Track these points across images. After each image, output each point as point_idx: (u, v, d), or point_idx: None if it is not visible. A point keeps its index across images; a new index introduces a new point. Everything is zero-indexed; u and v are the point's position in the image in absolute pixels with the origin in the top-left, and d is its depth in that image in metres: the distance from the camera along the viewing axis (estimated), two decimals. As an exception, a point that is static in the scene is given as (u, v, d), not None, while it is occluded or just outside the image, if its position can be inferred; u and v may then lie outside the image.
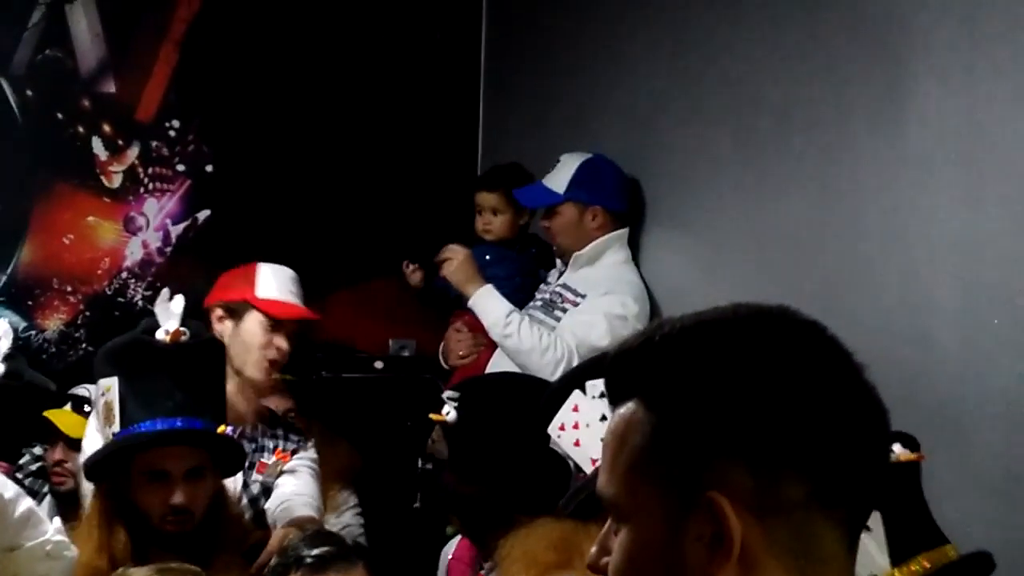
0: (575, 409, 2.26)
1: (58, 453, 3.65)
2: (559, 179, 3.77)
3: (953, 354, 2.73)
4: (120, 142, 4.50)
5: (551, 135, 4.30)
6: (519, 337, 3.64)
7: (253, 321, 3.16)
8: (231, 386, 3.00)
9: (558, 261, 3.92)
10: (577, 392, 2.26)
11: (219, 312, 3.20)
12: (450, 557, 2.96)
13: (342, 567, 2.35)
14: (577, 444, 2.25)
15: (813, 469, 0.95)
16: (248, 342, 3.15)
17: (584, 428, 2.24)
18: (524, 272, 4.00)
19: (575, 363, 3.52)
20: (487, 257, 3.91)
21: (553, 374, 3.51)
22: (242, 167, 4.59)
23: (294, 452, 3.08)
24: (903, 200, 2.88)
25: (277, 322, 3.16)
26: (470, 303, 3.75)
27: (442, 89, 4.80)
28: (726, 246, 3.52)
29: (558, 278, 3.86)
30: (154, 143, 4.54)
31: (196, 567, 2.25)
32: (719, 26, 3.57)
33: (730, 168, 3.50)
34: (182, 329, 2.59)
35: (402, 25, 4.78)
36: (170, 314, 2.60)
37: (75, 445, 3.53)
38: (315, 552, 2.38)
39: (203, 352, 2.64)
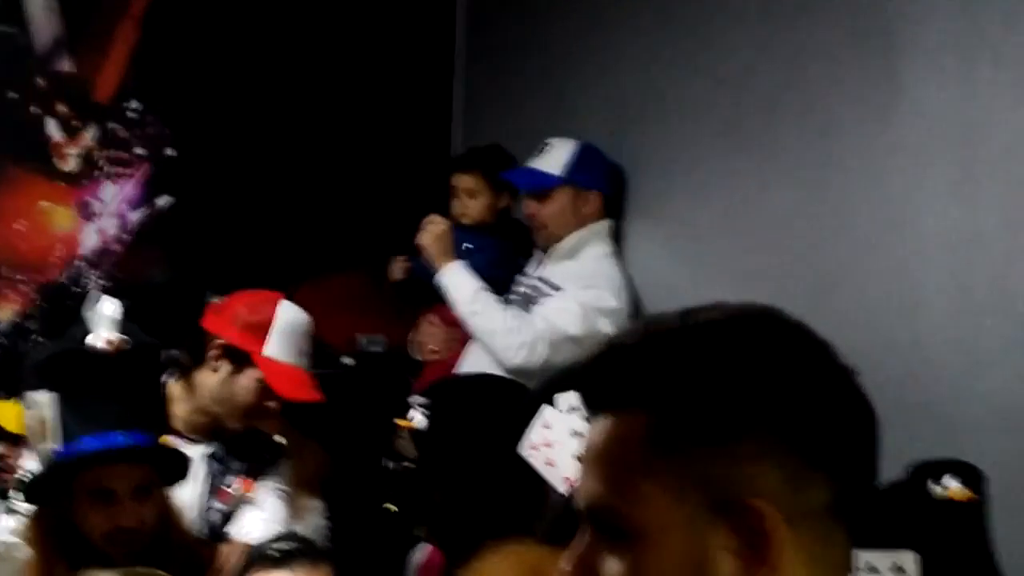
0: (546, 426, 2.24)
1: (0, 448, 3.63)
2: (553, 161, 3.77)
3: (945, 356, 2.75)
4: (76, 123, 4.47)
5: (530, 121, 4.30)
6: (485, 316, 3.64)
7: (251, 379, 3.00)
8: (197, 404, 2.96)
9: (536, 251, 3.92)
10: (547, 407, 2.24)
11: (218, 351, 3.02)
12: (420, 563, 2.96)
13: (306, 564, 2.36)
14: (550, 463, 2.23)
15: (839, 472, 0.95)
16: (238, 397, 3.01)
17: (556, 444, 2.21)
18: (503, 261, 3.98)
19: (541, 349, 3.55)
20: (465, 246, 3.89)
21: (515, 358, 3.55)
22: (205, 151, 4.57)
23: (261, 475, 3.03)
24: (894, 194, 2.90)
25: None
26: (438, 277, 3.75)
27: (415, 72, 4.79)
28: (711, 240, 3.53)
29: (537, 268, 3.86)
30: (112, 125, 4.50)
31: (162, 572, 2.23)
32: (706, 12, 3.57)
33: (715, 159, 3.51)
34: (124, 338, 2.55)
35: (375, 6, 4.77)
36: (106, 320, 2.55)
37: (18, 440, 3.52)
38: (278, 547, 2.39)
39: (142, 359, 2.61)
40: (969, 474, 1.93)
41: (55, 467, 2.49)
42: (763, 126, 3.32)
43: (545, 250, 3.83)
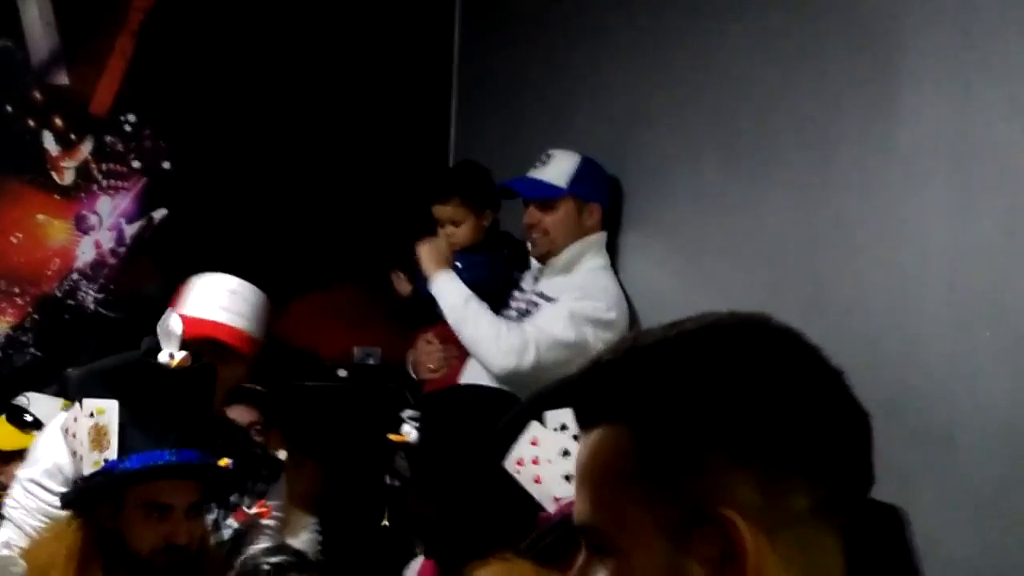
0: (534, 443, 2.22)
1: None
2: (557, 173, 3.78)
3: (943, 368, 2.73)
4: (72, 136, 4.48)
5: (526, 134, 4.29)
6: (475, 322, 3.67)
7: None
8: None
9: (533, 263, 3.91)
10: (535, 424, 2.23)
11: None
12: (414, 578, 2.96)
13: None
14: (538, 480, 2.21)
15: (820, 477, 0.96)
16: None
17: (545, 463, 2.20)
18: (496, 277, 3.97)
19: (532, 354, 3.55)
20: (457, 265, 3.89)
21: (505, 362, 3.56)
22: (201, 164, 4.57)
23: (263, 494, 3.00)
24: (891, 206, 2.89)
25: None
26: (430, 285, 3.80)
27: (413, 86, 4.79)
28: (707, 252, 3.52)
29: (534, 284, 3.86)
30: (108, 138, 4.51)
31: None
32: (702, 24, 3.57)
33: (712, 171, 3.50)
34: (188, 355, 2.54)
35: (371, 17, 4.77)
36: (173, 337, 2.55)
37: (5, 458, 3.50)
38: (272, 560, 2.39)
39: (200, 378, 2.60)
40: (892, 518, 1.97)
41: (114, 476, 2.46)
42: (759, 139, 3.31)
43: (541, 259, 3.82)
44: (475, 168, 4.03)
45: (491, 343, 3.61)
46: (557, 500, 2.16)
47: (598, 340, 3.58)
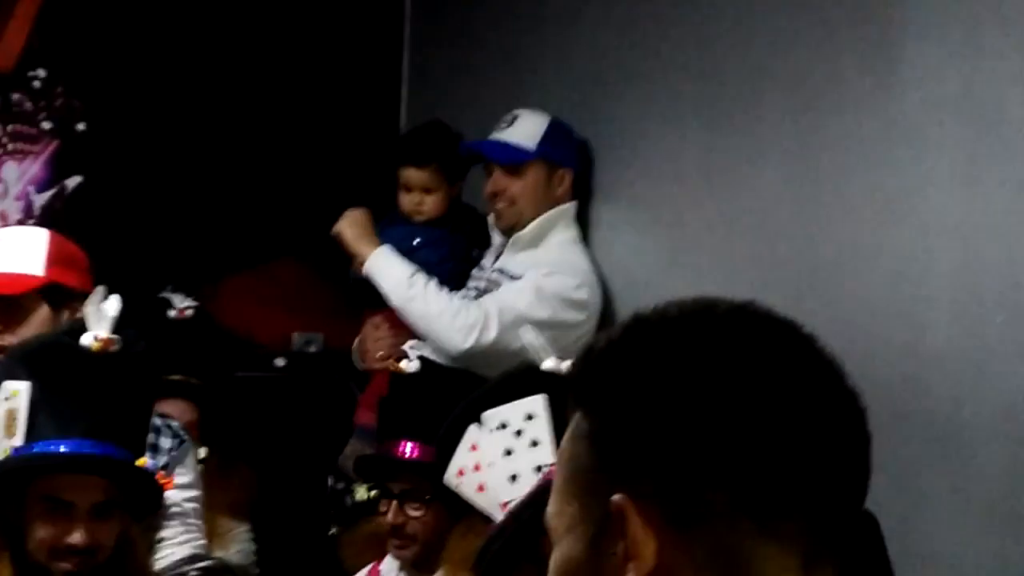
0: (473, 448, 2.24)
1: None
2: (524, 134, 3.78)
3: (949, 356, 2.75)
4: (-28, 94, 4.44)
5: (485, 95, 4.29)
6: (425, 299, 3.64)
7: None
8: None
9: (494, 238, 3.90)
10: (473, 428, 2.25)
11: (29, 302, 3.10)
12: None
13: None
14: (481, 489, 2.23)
15: (734, 477, 0.99)
16: None
17: (487, 468, 2.22)
18: (457, 255, 3.96)
19: (493, 330, 3.54)
20: (416, 241, 3.88)
21: (463, 342, 3.54)
22: (120, 125, 4.54)
23: (168, 466, 3.00)
24: (893, 176, 2.90)
25: None
26: (365, 267, 3.76)
27: (358, 38, 4.77)
28: (689, 227, 3.53)
29: (494, 261, 3.85)
30: (14, 96, 4.47)
31: None
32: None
33: (694, 136, 3.51)
34: (114, 337, 2.51)
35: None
36: (102, 317, 2.52)
37: None
38: (198, 566, 2.39)
39: (133, 367, 2.56)
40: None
41: (11, 466, 2.44)
42: (747, 100, 3.32)
43: (505, 233, 3.81)
44: (451, 133, 4.01)
45: (445, 320, 3.59)
46: (504, 506, 2.18)
47: (569, 318, 3.58)
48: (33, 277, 3.09)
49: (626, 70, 3.77)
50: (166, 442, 2.99)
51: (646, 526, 0.99)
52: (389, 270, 3.73)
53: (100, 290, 2.58)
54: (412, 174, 3.96)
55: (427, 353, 3.49)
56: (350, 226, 3.82)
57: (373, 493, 3.37)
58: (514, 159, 3.78)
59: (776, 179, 3.24)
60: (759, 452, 1.00)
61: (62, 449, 2.42)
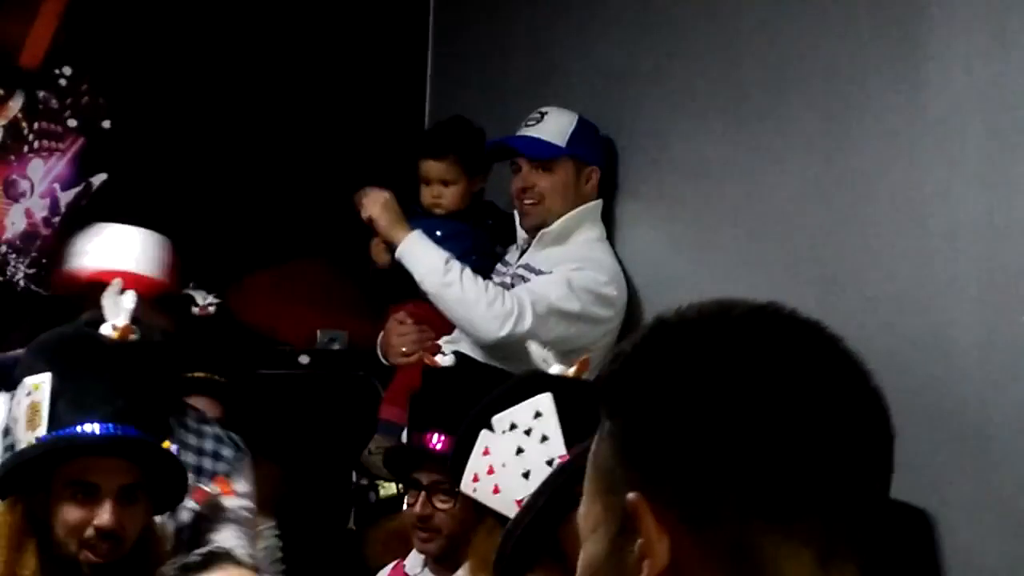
0: (486, 452, 2.27)
1: None
2: (554, 130, 3.79)
3: (975, 356, 2.73)
4: (1, 92, 4.45)
5: (508, 95, 4.29)
6: (461, 286, 3.61)
7: None
8: None
9: (519, 235, 3.90)
10: (484, 433, 2.27)
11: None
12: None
13: (230, 565, 2.35)
14: (496, 491, 2.26)
15: (747, 478, 1.00)
16: None
17: (500, 469, 2.25)
18: (480, 250, 3.97)
19: (528, 320, 3.53)
20: (437, 233, 3.88)
21: (500, 329, 3.52)
22: (145, 123, 4.55)
23: (229, 474, 2.99)
24: (919, 174, 2.89)
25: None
26: (398, 252, 3.73)
27: (384, 39, 4.77)
28: (712, 225, 3.52)
29: (519, 257, 3.85)
30: (41, 93, 4.50)
31: None
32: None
33: (719, 134, 3.50)
34: (132, 326, 2.55)
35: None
36: (120, 308, 2.56)
37: None
38: (200, 551, 2.39)
39: (152, 355, 2.59)
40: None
41: (37, 452, 2.46)
42: (772, 97, 3.31)
43: (530, 232, 3.81)
44: (472, 127, 4.03)
45: (481, 308, 3.57)
46: (520, 503, 2.20)
47: (597, 315, 3.58)
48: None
49: (650, 67, 3.77)
50: (227, 452, 3.00)
51: (660, 524, 1.00)
52: (424, 256, 3.70)
53: (117, 283, 2.61)
54: (430, 165, 3.98)
55: (464, 348, 3.50)
56: (382, 208, 3.78)
57: (396, 491, 3.38)
58: (545, 154, 3.78)
59: (802, 177, 3.23)
60: (771, 453, 1.01)
61: (87, 429, 2.44)
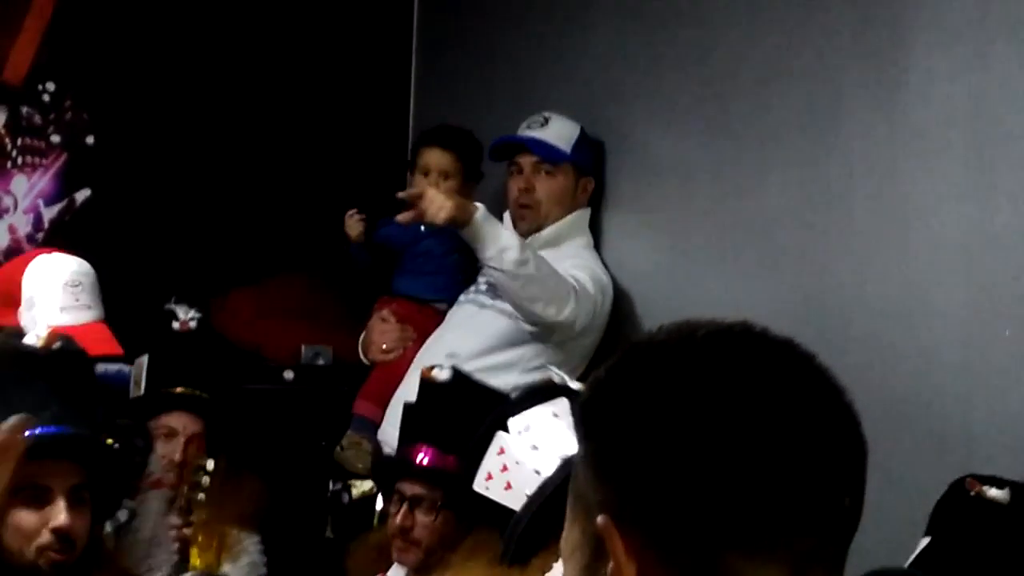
0: (501, 452, 2.32)
1: None
2: (559, 136, 3.81)
3: (958, 370, 2.74)
4: (-18, 108, 4.44)
5: (492, 107, 4.29)
6: (535, 263, 3.53)
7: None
8: None
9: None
10: (500, 434, 2.32)
11: None
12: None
13: None
14: (508, 487, 2.30)
15: (711, 502, 1.00)
16: None
17: (514, 466, 2.29)
18: (464, 249, 3.95)
19: (571, 306, 3.54)
20: (422, 229, 3.86)
21: (565, 308, 3.53)
22: (128, 139, 4.53)
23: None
24: (901, 185, 2.89)
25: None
26: (475, 219, 3.52)
27: (368, 48, 4.76)
28: (695, 237, 3.53)
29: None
30: (24, 109, 4.47)
31: None
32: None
33: (700, 147, 3.51)
34: (55, 334, 2.61)
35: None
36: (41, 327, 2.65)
37: None
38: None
39: (77, 363, 2.62)
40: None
41: None
42: (755, 109, 3.32)
43: (524, 235, 3.79)
44: (476, 138, 4.03)
45: (553, 280, 3.54)
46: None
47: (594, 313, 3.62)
48: None
49: (634, 78, 3.78)
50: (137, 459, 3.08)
51: (628, 549, 1.00)
52: (500, 232, 3.57)
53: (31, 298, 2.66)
54: (435, 154, 3.97)
55: (459, 364, 3.48)
56: (449, 196, 3.57)
57: (369, 488, 3.40)
58: (553, 157, 3.80)
59: (784, 189, 3.23)
60: (737, 478, 1.00)
61: (41, 432, 2.42)
